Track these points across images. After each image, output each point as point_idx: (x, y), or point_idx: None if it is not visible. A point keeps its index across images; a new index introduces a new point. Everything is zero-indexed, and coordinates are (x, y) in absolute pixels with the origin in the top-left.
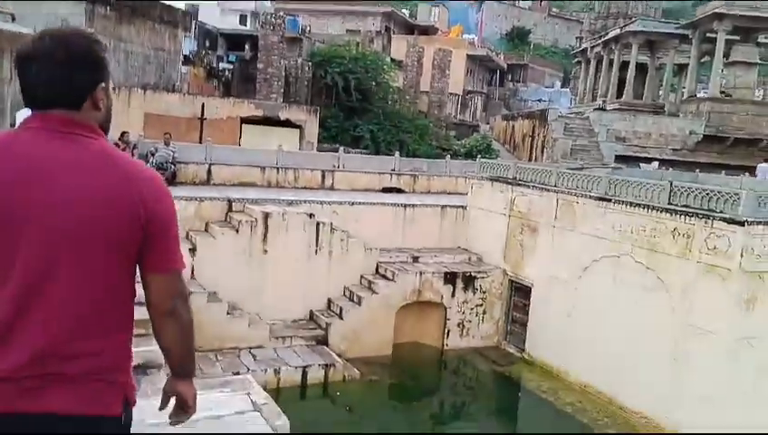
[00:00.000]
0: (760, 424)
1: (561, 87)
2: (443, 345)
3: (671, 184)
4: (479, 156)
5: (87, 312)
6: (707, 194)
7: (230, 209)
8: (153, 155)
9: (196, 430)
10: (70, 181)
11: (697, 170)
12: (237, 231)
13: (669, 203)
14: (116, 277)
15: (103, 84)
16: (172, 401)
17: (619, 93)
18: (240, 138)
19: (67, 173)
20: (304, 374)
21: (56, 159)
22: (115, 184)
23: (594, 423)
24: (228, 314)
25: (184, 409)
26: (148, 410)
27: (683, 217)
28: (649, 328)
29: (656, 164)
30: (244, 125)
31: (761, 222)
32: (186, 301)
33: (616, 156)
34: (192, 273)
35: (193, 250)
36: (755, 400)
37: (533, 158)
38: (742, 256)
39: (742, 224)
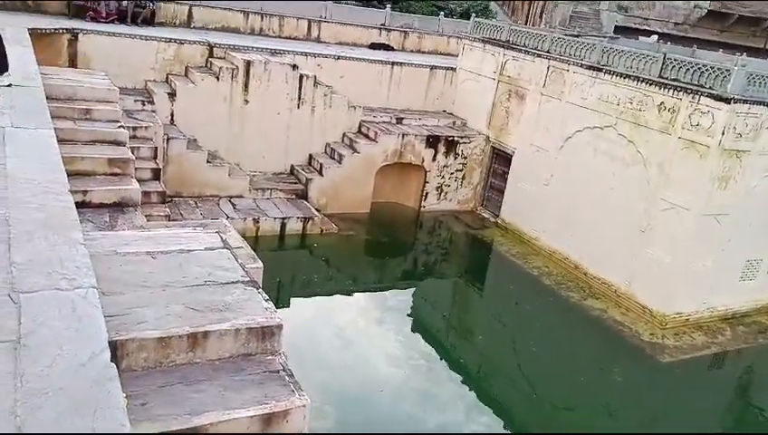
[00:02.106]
0: (715, 296)
1: None
2: (420, 207)
3: (665, 56)
4: (474, 16)
5: None
6: (699, 68)
7: (211, 55)
8: None
9: (168, 262)
10: None
11: (695, 46)
12: (218, 78)
13: (660, 76)
14: None
15: None
16: None
17: None
18: None
19: None
20: (283, 225)
21: None
22: None
23: (558, 286)
24: (208, 162)
25: None
26: (119, 240)
27: (671, 91)
28: (622, 200)
29: (654, 37)
30: None
31: (747, 101)
32: None
33: (616, 26)
34: (172, 118)
35: (172, 95)
36: (714, 273)
37: (531, 23)
38: (723, 133)
39: (728, 101)
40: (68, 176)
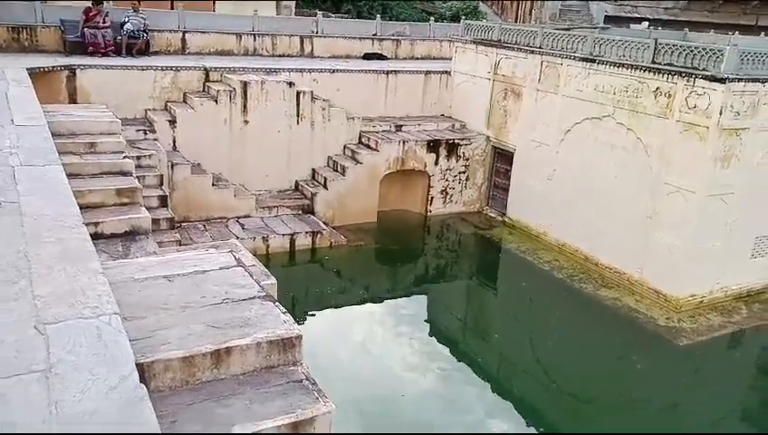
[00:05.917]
0: (728, 276)
1: None
2: (426, 212)
3: (656, 42)
4: (464, 18)
5: None
6: (691, 51)
7: (208, 79)
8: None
9: (184, 283)
10: None
11: (686, 29)
12: (216, 101)
13: (653, 62)
14: None
15: None
16: None
17: None
18: (214, 4)
19: None
20: (292, 241)
21: None
22: None
23: (570, 278)
24: (213, 185)
25: None
26: (135, 267)
27: (666, 75)
28: (627, 188)
29: (645, 24)
30: None
31: (742, 79)
32: None
33: (606, 17)
34: (174, 145)
35: (173, 122)
36: (725, 252)
37: (522, 20)
38: (721, 113)
39: (723, 81)
40: (79, 209)
